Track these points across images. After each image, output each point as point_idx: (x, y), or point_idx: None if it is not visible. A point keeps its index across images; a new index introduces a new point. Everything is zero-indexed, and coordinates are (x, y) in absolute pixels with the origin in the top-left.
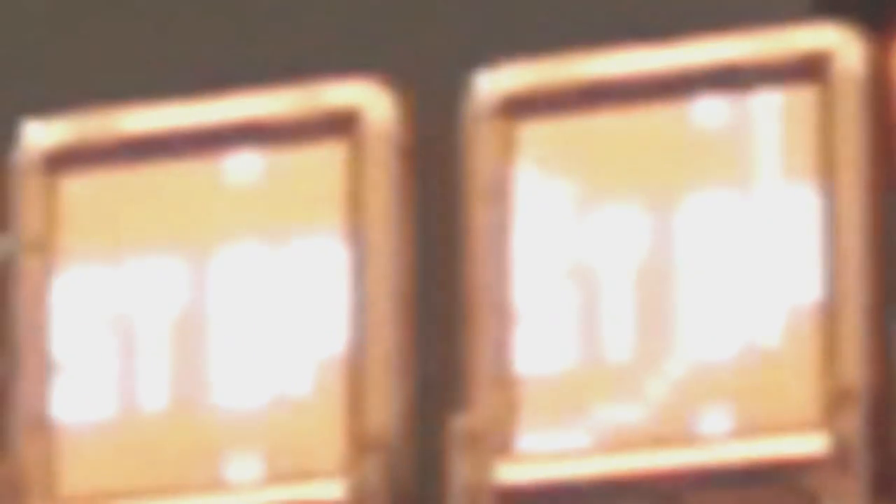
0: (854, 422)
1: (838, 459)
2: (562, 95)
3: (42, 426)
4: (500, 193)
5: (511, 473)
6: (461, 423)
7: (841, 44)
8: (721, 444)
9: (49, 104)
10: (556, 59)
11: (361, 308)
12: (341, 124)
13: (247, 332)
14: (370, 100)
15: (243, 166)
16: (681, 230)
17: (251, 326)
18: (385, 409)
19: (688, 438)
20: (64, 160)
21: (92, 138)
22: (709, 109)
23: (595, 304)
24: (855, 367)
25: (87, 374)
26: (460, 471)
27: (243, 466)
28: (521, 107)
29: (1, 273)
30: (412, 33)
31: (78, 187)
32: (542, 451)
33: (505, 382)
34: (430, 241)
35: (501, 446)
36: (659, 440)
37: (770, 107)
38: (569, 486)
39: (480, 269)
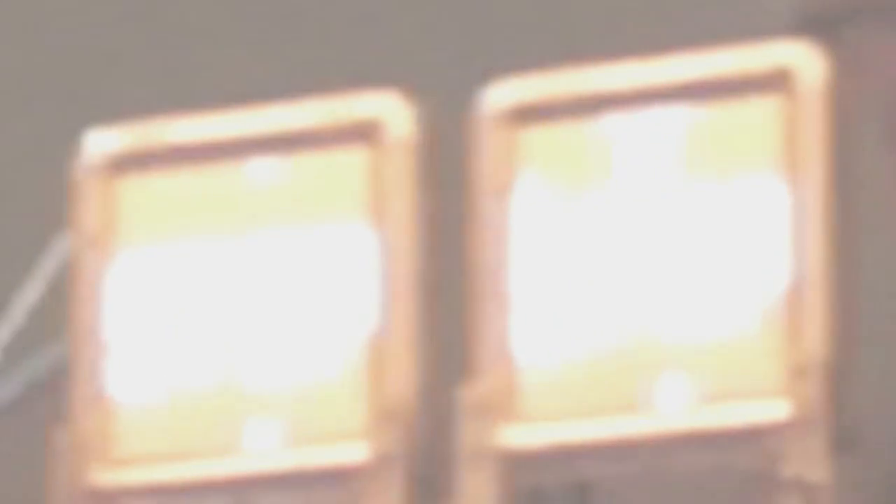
0: (815, 390)
1: (800, 424)
2: (562, 105)
3: (99, 400)
4: (504, 193)
5: (512, 438)
6: (468, 393)
7: (805, 59)
8: (693, 411)
9: (107, 116)
10: (556, 72)
11: (383, 293)
12: (364, 132)
13: (281, 314)
14: (390, 110)
15: (279, 169)
16: (662, 222)
17: (285, 310)
18: (404, 381)
19: (664, 406)
20: (119, 165)
21: (144, 145)
22: (685, 116)
23: (588, 290)
24: (817, 342)
25: (139, 353)
26: (467, 436)
27: (275, 433)
28: (526, 116)
29: (65, 266)
30: (428, 50)
31: (131, 189)
32: (540, 418)
33: (505, 357)
34: (443, 235)
35: (503, 414)
36: (636, 408)
37: (742, 111)
38: (562, 449)
39: (485, 259)
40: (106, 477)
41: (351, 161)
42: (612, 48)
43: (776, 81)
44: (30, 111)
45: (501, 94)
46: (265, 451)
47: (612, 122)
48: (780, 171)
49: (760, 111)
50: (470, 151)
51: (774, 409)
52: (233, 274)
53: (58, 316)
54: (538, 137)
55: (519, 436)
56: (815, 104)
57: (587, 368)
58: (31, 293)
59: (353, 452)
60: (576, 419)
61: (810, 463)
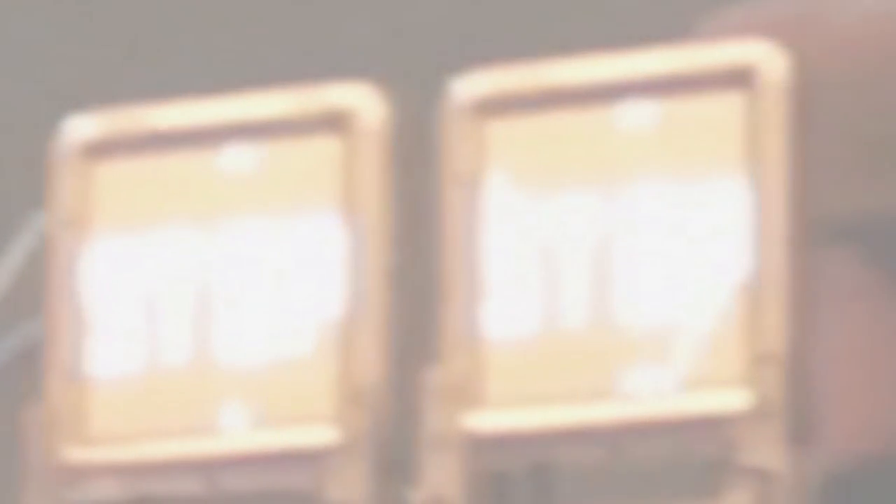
0: (776, 380)
1: (759, 413)
2: (530, 97)
3: (73, 377)
4: (472, 182)
5: (478, 423)
6: (434, 377)
7: (767, 57)
8: (658, 398)
9: (84, 101)
10: (525, 64)
11: (353, 278)
12: (336, 122)
13: (253, 299)
14: (362, 101)
15: (252, 156)
16: (627, 214)
17: (257, 294)
18: (372, 365)
19: (626, 393)
20: (96, 150)
21: (120, 131)
22: (651, 111)
23: (553, 277)
24: (777, 333)
25: (112, 333)
26: (433, 420)
27: (244, 414)
28: (493, 108)
29: (41, 244)
30: (400, 41)
31: (107, 173)
32: (506, 403)
33: (472, 342)
34: (413, 222)
35: (469, 398)
36: (602, 394)
37: (705, 109)
38: (527, 434)
39: (453, 246)
40: (78, 454)
41: (322, 150)
42: (582, 41)
43: (739, 78)
44: (8, 94)
45: (471, 86)
46: (234, 432)
47: (580, 115)
48: (742, 166)
49: (723, 107)
50: (440, 141)
51: (734, 399)
52: (206, 257)
53: (33, 294)
54: (507, 128)
55: (485, 420)
56: (777, 101)
57: (553, 354)
58: (6, 272)
59: (321, 435)
60: (541, 405)
61: (768, 452)
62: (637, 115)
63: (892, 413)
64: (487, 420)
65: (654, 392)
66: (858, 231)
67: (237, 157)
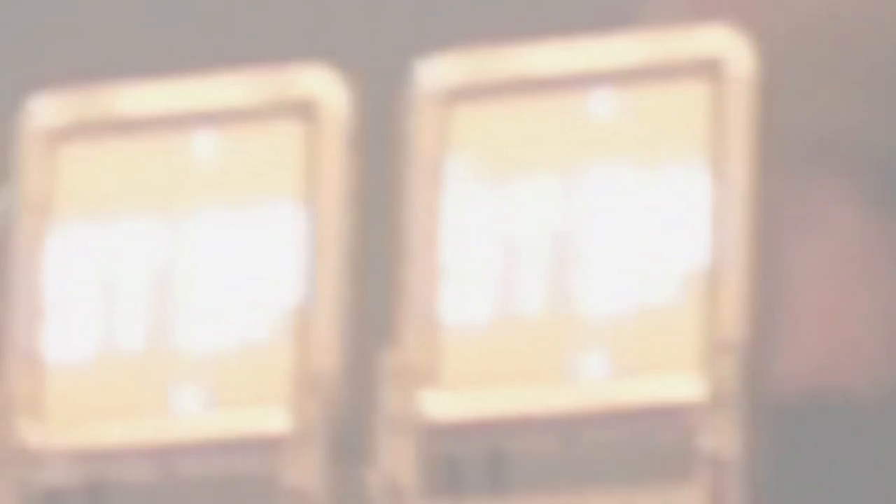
0: (731, 368)
1: (717, 401)
2: (494, 84)
3: (30, 361)
4: (435, 168)
5: (435, 407)
6: (390, 361)
7: (732, 47)
8: (613, 386)
9: (48, 82)
10: (489, 51)
11: (310, 262)
12: (298, 108)
13: (212, 284)
14: (324, 87)
15: (214, 141)
16: (588, 202)
17: (216, 280)
18: (328, 349)
19: (582, 380)
20: (61, 133)
21: (83, 115)
22: (617, 100)
23: (513, 263)
24: (734, 321)
25: (71, 317)
26: (389, 404)
27: (200, 398)
28: (458, 94)
29: (3, 227)
30: (362, 27)
31: (72, 157)
32: (462, 388)
33: (429, 326)
34: (373, 208)
35: (425, 384)
36: (558, 380)
37: (668, 100)
38: (483, 419)
39: (413, 232)
40: (35, 437)
41: (285, 135)
42: (550, 27)
43: (705, 68)
44: None
45: (436, 72)
46: (190, 417)
47: (546, 102)
48: (704, 156)
49: (689, 96)
50: (402, 128)
51: (689, 387)
52: (166, 242)
53: None
54: (471, 115)
55: (440, 405)
56: (742, 91)
57: (511, 339)
58: None
59: (277, 420)
60: (497, 390)
61: (726, 439)
62: (602, 103)
63: (858, 346)
64: (443, 405)
65: (609, 379)
66: (851, 156)
67: (198, 142)
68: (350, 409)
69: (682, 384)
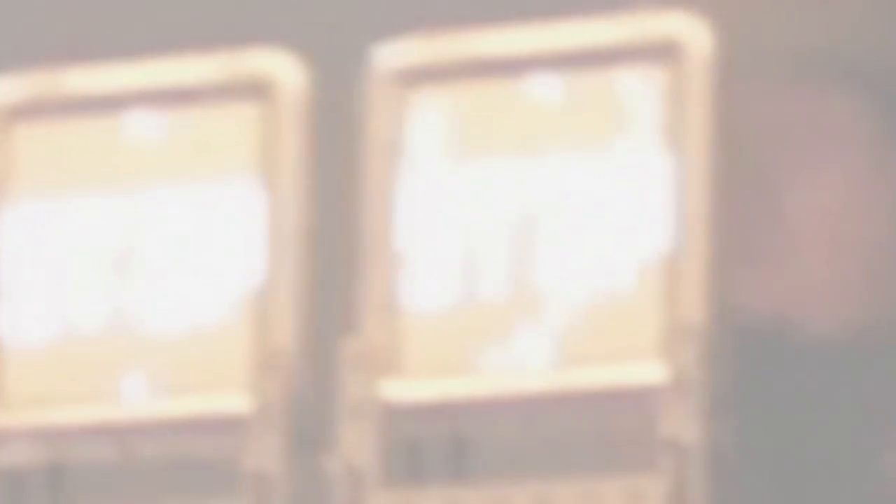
0: (692, 355)
1: (677, 386)
2: (451, 67)
3: None
4: (394, 151)
5: (394, 392)
6: (349, 345)
7: (692, 31)
8: (579, 372)
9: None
10: (447, 34)
11: (269, 245)
12: (255, 89)
13: (170, 266)
14: (281, 67)
15: (170, 123)
16: (548, 186)
17: (174, 261)
18: (287, 333)
19: (538, 364)
20: (13, 112)
21: (38, 95)
22: (572, 83)
23: (474, 248)
24: (695, 307)
25: (27, 298)
26: (348, 389)
27: (157, 381)
28: (415, 76)
29: None
30: (320, 9)
31: (25, 136)
32: (422, 373)
33: (391, 311)
34: (332, 191)
35: (387, 368)
36: (516, 365)
37: (629, 83)
38: (442, 404)
39: (371, 215)
40: None
41: (241, 117)
42: (509, 11)
43: (662, 51)
44: None
45: (394, 54)
46: (149, 398)
47: (502, 85)
48: (663, 137)
49: (643, 79)
50: (360, 111)
51: (651, 372)
52: (122, 224)
53: None
54: (429, 98)
55: (402, 390)
56: (700, 75)
57: (471, 324)
58: None
59: (237, 403)
60: (458, 375)
61: (686, 425)
62: (557, 86)
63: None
64: (404, 390)
65: (566, 364)
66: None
67: (154, 123)
68: (310, 392)
69: (643, 369)
